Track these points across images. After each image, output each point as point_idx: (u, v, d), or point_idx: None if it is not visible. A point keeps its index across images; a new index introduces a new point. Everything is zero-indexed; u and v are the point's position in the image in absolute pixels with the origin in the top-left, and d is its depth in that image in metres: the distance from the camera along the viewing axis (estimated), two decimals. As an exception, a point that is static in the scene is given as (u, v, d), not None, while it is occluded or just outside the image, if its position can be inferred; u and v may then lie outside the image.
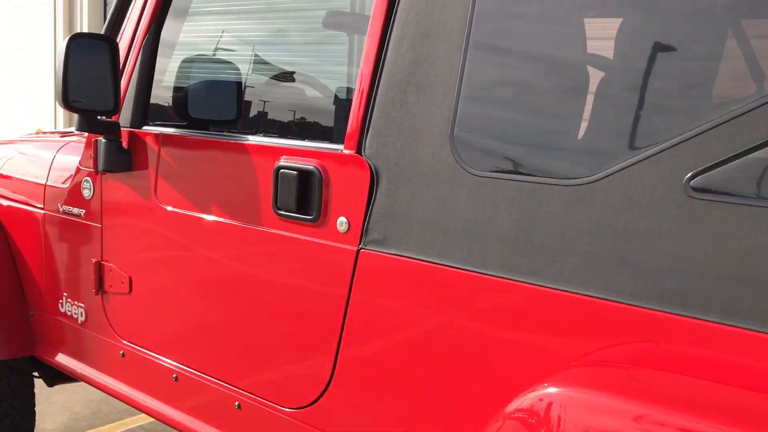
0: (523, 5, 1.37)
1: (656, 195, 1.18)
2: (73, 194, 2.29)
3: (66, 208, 2.33)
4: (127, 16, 2.10)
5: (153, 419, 3.77)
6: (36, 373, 2.93)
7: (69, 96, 1.87)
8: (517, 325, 1.34)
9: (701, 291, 1.14)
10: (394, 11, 1.51)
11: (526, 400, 1.21)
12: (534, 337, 1.31)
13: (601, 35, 1.42)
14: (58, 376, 3.00)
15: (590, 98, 1.30)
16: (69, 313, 2.37)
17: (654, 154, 1.18)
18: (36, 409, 3.63)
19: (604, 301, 1.23)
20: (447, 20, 1.43)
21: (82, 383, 4.07)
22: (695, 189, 1.14)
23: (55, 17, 9.49)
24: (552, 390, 1.19)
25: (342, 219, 1.59)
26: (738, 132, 1.11)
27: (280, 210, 1.69)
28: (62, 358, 2.43)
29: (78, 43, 1.87)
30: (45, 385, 3.76)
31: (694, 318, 1.15)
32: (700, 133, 1.14)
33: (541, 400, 1.19)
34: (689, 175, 1.15)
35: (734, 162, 1.11)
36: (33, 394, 2.80)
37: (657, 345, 1.19)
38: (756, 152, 1.09)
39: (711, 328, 1.13)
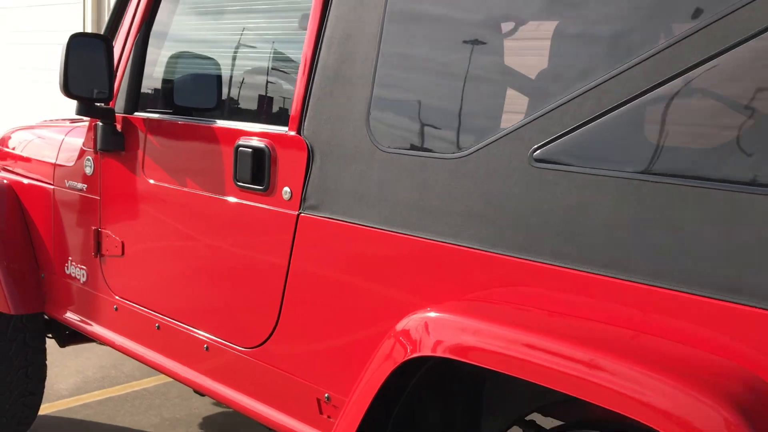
0: (419, 15, 1.69)
1: (509, 165, 1.50)
2: (77, 171, 2.66)
3: (71, 183, 2.70)
4: (123, 18, 2.46)
5: (156, 382, 4.15)
6: (49, 335, 3.31)
7: (69, 85, 2.23)
8: (413, 269, 1.66)
9: (539, 240, 1.45)
10: (326, 18, 1.84)
11: (410, 321, 1.53)
12: (425, 277, 1.64)
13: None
14: (69, 338, 3.37)
15: (469, 89, 1.62)
16: (73, 275, 2.74)
17: (508, 134, 1.50)
18: (51, 372, 4.03)
19: (474, 250, 1.55)
20: (364, 26, 1.76)
21: (94, 350, 4.47)
22: (536, 160, 1.46)
23: (84, 15, 9.94)
24: (430, 314, 1.51)
25: (286, 188, 1.93)
26: (565, 116, 1.42)
27: (239, 182, 2.03)
28: (68, 314, 2.80)
29: (77, 42, 2.23)
30: (61, 352, 4.19)
31: (535, 261, 1.46)
32: (538, 118, 1.45)
33: (419, 320, 1.51)
34: (532, 149, 1.47)
35: (562, 138, 1.43)
36: (45, 350, 3.17)
37: (510, 282, 1.50)
38: (575, 132, 1.41)
39: (545, 269, 1.45)
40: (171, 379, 4.22)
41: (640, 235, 1.32)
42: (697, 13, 1.27)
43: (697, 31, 1.26)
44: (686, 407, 1.16)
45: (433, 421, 1.82)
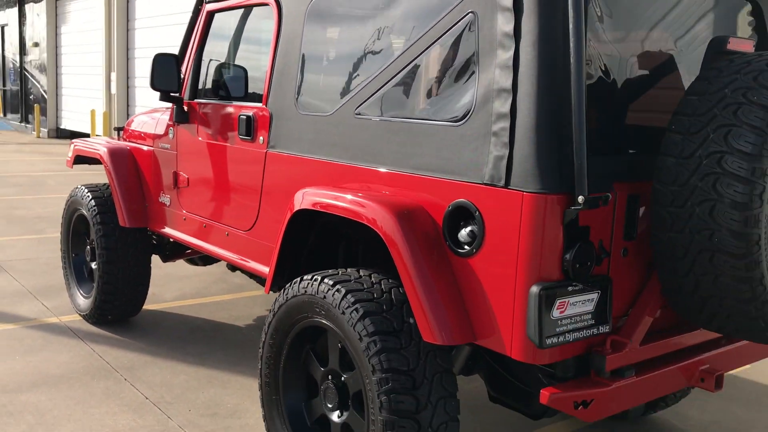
0: (314, 48, 3.19)
1: (347, 117, 2.97)
2: (165, 137, 4.34)
3: (162, 145, 4.38)
4: (188, 45, 4.11)
5: (231, 297, 5.81)
6: (155, 254, 5.03)
7: (155, 83, 3.89)
8: (312, 175, 3.15)
9: (358, 154, 2.90)
10: (278, 47, 3.38)
11: (296, 195, 3.01)
12: (317, 178, 3.12)
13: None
14: (168, 256, 5.09)
15: (333, 82, 3.09)
16: (163, 202, 4.42)
17: (345, 102, 2.97)
18: (161, 288, 5.84)
19: (336, 163, 3.03)
20: (293, 51, 3.28)
21: (192, 278, 6.25)
22: (355, 114, 2.92)
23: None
24: (303, 190, 2.99)
25: (261, 137, 3.47)
26: (364, 92, 2.87)
27: (240, 135, 3.60)
28: (161, 227, 4.48)
29: (159, 58, 3.88)
30: (169, 276, 6.02)
31: (357, 165, 2.92)
32: (356, 94, 2.92)
33: (299, 194, 2.99)
34: (354, 108, 2.93)
35: (363, 104, 2.88)
36: (150, 257, 4.88)
37: (349, 177, 2.96)
38: (367, 101, 2.86)
39: (359, 169, 2.90)
40: (240, 295, 5.90)
41: (386, 147, 2.76)
42: (407, 34, 2.70)
43: (410, 46, 2.69)
44: (380, 215, 2.57)
45: (327, 263, 3.30)
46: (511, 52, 2.31)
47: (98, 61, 18.61)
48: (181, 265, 6.55)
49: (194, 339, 4.83)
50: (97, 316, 4.90)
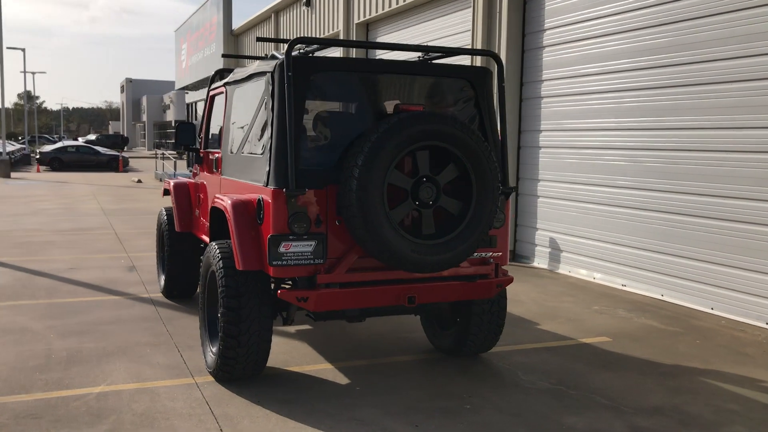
0: (235, 120, 5.58)
1: (237, 155, 5.31)
2: (194, 175, 6.93)
3: (197, 179, 6.98)
4: (203, 117, 6.69)
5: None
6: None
7: (177, 141, 6.49)
8: (230, 188, 5.51)
9: (247, 174, 5.22)
10: (225, 116, 5.82)
11: (212, 200, 5.39)
12: (230, 190, 5.48)
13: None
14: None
15: (232, 140, 5.44)
16: (196, 213, 6.98)
17: (239, 147, 5.32)
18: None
19: (236, 180, 5.36)
20: (229, 119, 5.70)
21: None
22: (240, 153, 5.25)
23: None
24: (216, 196, 5.36)
25: (221, 170, 5.90)
26: (241, 142, 5.20)
27: (213, 169, 6.05)
28: (196, 231, 7.03)
29: (181, 125, 6.48)
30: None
31: (246, 182, 5.23)
32: (243, 140, 5.25)
33: (213, 199, 5.36)
34: (239, 150, 5.26)
35: (242, 148, 5.21)
36: (195, 252, 7.44)
37: (237, 189, 5.28)
38: (243, 147, 5.19)
39: (243, 184, 5.21)
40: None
41: (245, 169, 5.05)
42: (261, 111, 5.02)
43: (252, 118, 4.99)
44: (227, 205, 4.85)
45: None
46: (271, 119, 4.55)
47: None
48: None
49: (221, 307, 7.29)
50: (167, 291, 7.54)
